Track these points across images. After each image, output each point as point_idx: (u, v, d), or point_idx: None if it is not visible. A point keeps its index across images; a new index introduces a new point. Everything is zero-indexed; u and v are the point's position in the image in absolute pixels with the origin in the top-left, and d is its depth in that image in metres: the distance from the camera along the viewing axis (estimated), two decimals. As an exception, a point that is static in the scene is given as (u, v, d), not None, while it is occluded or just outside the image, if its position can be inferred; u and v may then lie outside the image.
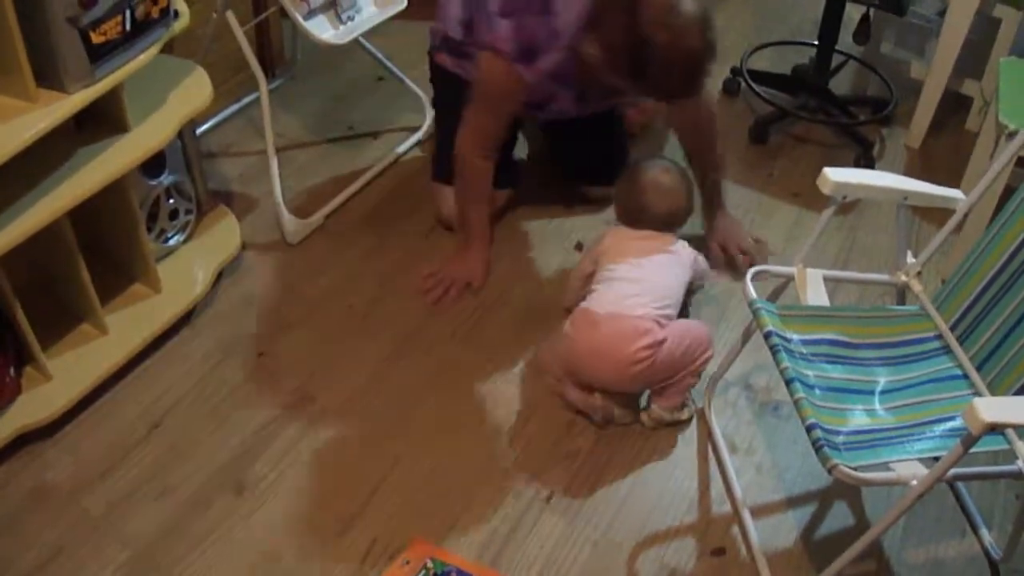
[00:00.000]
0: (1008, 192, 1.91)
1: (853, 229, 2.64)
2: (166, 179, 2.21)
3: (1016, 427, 1.46)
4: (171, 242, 2.30)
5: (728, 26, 3.46)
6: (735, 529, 1.92)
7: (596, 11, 2.01)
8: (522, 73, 2.14)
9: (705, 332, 2.07)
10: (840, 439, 1.59)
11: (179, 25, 1.98)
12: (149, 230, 2.20)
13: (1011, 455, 1.53)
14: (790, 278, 1.92)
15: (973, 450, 1.43)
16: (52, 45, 1.69)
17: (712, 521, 1.93)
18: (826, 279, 1.92)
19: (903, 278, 1.94)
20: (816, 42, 2.96)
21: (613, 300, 2.03)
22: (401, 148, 2.82)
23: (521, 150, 2.70)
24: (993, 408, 1.36)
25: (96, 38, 1.75)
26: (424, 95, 2.89)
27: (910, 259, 1.94)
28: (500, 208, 2.58)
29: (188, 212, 2.32)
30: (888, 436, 1.63)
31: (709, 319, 2.32)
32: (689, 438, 2.09)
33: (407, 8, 2.54)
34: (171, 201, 2.25)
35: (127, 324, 2.13)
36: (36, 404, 1.96)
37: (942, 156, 2.94)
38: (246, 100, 2.94)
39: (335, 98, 3.04)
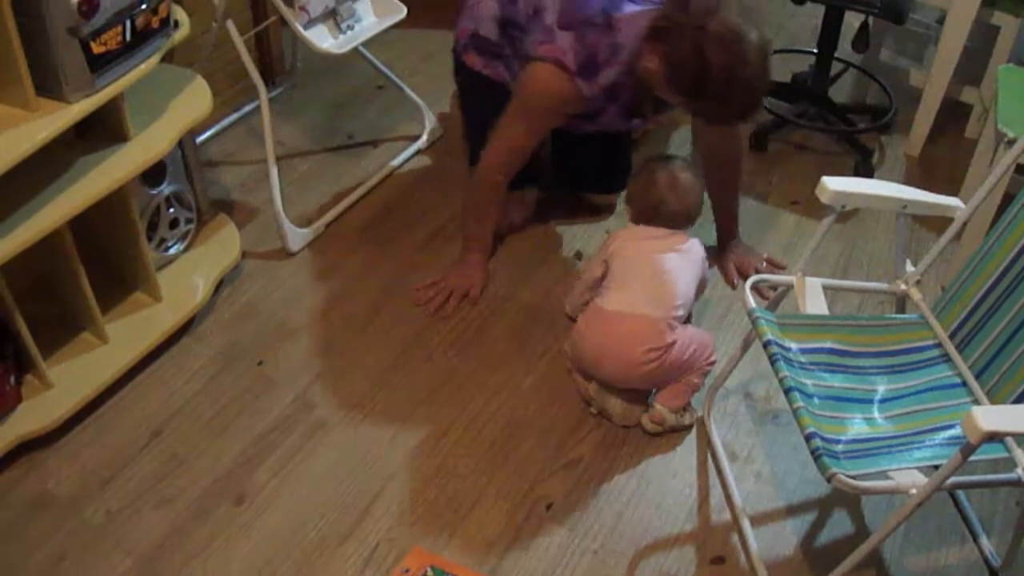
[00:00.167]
0: (1007, 199, 1.91)
1: (852, 238, 2.64)
2: (166, 188, 2.21)
3: (1015, 435, 1.47)
4: (171, 251, 2.31)
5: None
6: (735, 538, 1.92)
7: (663, 27, 1.99)
8: (581, 87, 2.09)
9: (710, 338, 2.11)
10: (839, 448, 1.59)
11: (179, 35, 2.00)
12: (149, 239, 2.20)
13: (1011, 463, 1.54)
14: (789, 287, 1.93)
15: (972, 458, 1.43)
16: (52, 55, 1.70)
17: (712, 530, 1.93)
18: (825, 288, 1.93)
19: (902, 287, 1.94)
20: (815, 50, 2.97)
21: (626, 300, 2.04)
22: (401, 157, 2.82)
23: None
24: (991, 417, 1.36)
25: (96, 48, 1.76)
26: (423, 104, 2.90)
27: (909, 267, 1.94)
28: (532, 206, 2.60)
29: (188, 221, 2.33)
30: (887, 445, 1.63)
31: (708, 328, 2.32)
32: (689, 447, 2.09)
33: (406, 17, 2.54)
34: (171, 210, 2.26)
35: (127, 333, 2.14)
36: (37, 412, 1.96)
37: (941, 164, 2.95)
38: (246, 109, 2.95)
39: (335, 107, 3.04)
